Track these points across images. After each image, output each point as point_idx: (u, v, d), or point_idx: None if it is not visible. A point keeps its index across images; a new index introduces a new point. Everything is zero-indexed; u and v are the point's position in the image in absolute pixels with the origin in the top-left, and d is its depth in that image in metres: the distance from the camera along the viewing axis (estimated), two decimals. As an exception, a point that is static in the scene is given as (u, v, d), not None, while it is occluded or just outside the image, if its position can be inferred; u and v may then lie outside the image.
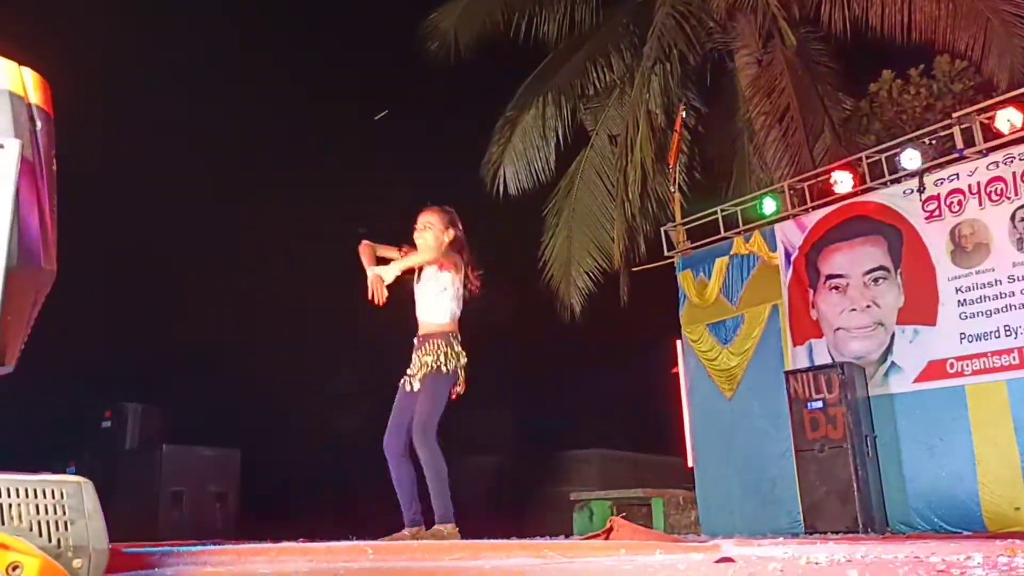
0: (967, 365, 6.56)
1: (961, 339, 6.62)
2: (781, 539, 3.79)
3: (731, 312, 8.31)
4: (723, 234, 8.47)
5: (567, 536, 6.54)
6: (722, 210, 8.52)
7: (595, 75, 10.50)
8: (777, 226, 8.03)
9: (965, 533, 6.16)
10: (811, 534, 6.84)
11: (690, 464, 8.61)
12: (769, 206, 8.12)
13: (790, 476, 7.31)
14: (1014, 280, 6.38)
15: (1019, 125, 6.37)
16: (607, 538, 3.83)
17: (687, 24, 9.48)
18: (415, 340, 4.73)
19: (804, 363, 7.56)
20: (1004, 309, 6.41)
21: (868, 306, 7.26)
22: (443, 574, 2.12)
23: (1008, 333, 6.37)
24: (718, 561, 2.40)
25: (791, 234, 7.92)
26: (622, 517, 4.47)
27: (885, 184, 7.30)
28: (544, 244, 10.73)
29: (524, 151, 10.64)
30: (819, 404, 7.06)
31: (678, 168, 9.89)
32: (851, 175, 7.50)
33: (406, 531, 4.43)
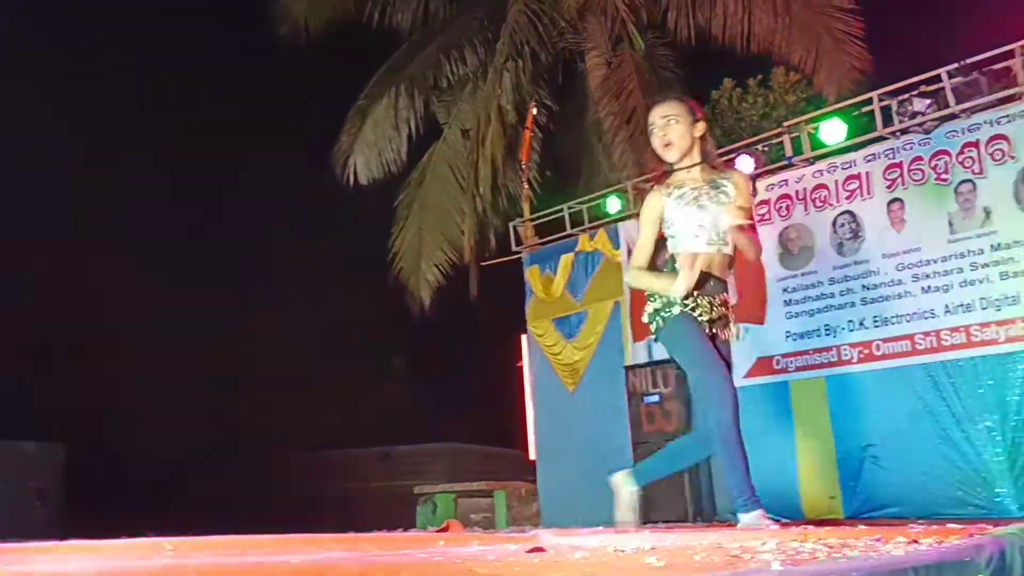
0: (791, 362, 6.91)
1: (787, 337, 6.96)
2: (601, 529, 3.87)
3: (575, 308, 8.46)
4: (569, 231, 8.61)
5: (406, 529, 6.51)
6: (569, 207, 8.66)
7: (448, 68, 10.47)
8: (620, 225, 8.22)
9: (784, 521, 6.48)
10: (645, 524, 7.05)
11: (532, 456, 8.73)
12: (613, 205, 8.31)
13: (628, 468, 7.49)
14: (834, 282, 6.75)
15: (842, 137, 6.76)
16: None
17: (539, 23, 9.58)
18: (709, 281, 3.71)
19: (643, 358, 7.76)
20: (825, 309, 6.78)
21: (703, 304, 7.53)
22: (243, 571, 2.04)
23: (828, 332, 6.74)
24: (529, 551, 2.42)
25: (634, 233, 8.11)
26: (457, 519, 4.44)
27: (722, 187, 7.59)
28: (394, 236, 10.64)
29: (375, 141, 10.51)
30: (655, 398, 7.28)
31: (529, 165, 10.01)
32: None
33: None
